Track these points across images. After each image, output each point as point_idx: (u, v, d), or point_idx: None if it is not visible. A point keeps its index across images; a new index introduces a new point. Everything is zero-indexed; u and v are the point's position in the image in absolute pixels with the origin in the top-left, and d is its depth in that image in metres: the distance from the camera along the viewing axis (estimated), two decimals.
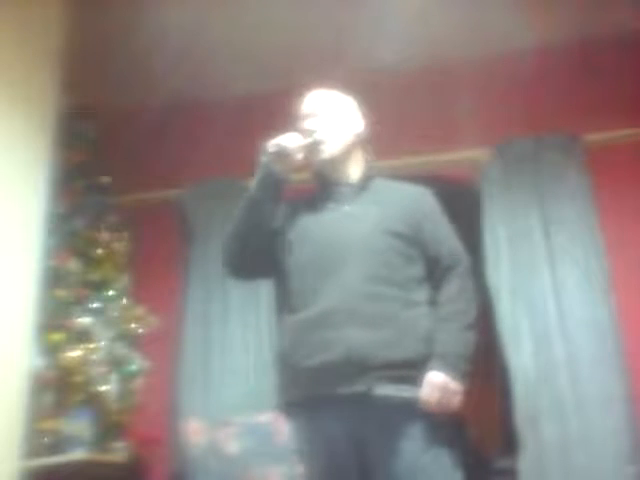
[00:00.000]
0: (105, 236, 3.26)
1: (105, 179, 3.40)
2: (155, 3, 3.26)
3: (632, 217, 3.30)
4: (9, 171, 2.41)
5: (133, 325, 3.24)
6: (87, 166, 3.33)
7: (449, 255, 1.90)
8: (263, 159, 1.91)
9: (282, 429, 2.94)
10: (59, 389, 2.83)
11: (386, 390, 1.70)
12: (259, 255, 1.91)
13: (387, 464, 1.71)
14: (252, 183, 1.93)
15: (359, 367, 1.71)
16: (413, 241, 1.87)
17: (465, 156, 3.53)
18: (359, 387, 1.71)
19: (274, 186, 1.91)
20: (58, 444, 2.76)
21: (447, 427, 1.76)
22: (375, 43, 3.46)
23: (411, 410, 1.71)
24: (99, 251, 3.22)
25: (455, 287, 1.86)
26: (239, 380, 3.40)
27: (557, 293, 3.22)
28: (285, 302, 1.91)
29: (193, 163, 3.77)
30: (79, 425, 2.83)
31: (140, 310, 3.26)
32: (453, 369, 1.74)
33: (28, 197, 2.48)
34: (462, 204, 3.59)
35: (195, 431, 3.00)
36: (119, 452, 3.01)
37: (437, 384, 1.72)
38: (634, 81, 3.41)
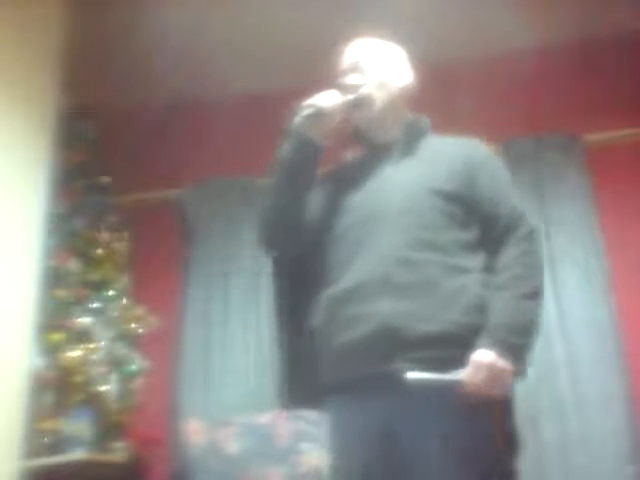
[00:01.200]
0: (105, 236, 3.26)
1: (105, 179, 3.40)
2: (155, 3, 3.26)
3: (632, 217, 3.30)
4: (9, 171, 2.41)
5: (133, 325, 3.24)
6: (87, 166, 3.33)
7: (508, 214, 1.64)
8: (296, 123, 1.67)
9: (282, 429, 2.94)
10: (59, 389, 2.82)
11: (420, 375, 1.46)
12: (296, 228, 1.72)
13: (419, 462, 1.49)
14: (283, 149, 1.71)
15: (392, 343, 1.50)
16: (463, 199, 1.64)
17: None
18: (392, 366, 1.49)
19: (311, 155, 1.68)
20: (58, 444, 2.76)
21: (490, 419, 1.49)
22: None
23: (449, 400, 1.46)
24: (99, 251, 3.22)
25: (514, 251, 1.60)
26: (239, 380, 3.40)
27: (557, 293, 3.22)
28: (321, 276, 1.71)
29: (193, 163, 3.77)
30: (79, 425, 2.83)
31: (140, 310, 3.26)
32: (502, 345, 1.47)
33: (28, 197, 2.47)
34: None
35: (195, 431, 3.00)
36: (119, 452, 3.01)
37: (483, 364, 1.45)
38: (634, 81, 3.41)
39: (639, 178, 3.35)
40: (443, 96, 3.61)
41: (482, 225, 1.65)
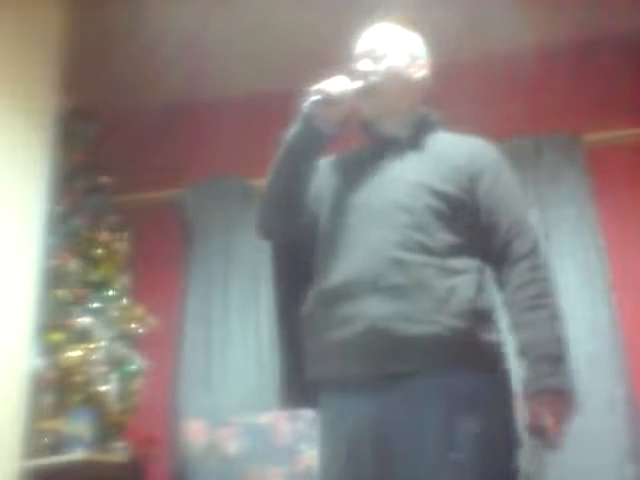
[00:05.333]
0: (105, 236, 3.26)
1: (105, 179, 3.40)
2: (155, 3, 3.26)
3: (632, 217, 3.30)
4: (9, 171, 2.41)
5: (133, 325, 3.23)
6: (87, 166, 3.33)
7: (508, 227, 1.57)
8: (304, 109, 1.60)
9: (282, 429, 2.94)
10: (59, 389, 2.82)
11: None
12: (294, 216, 1.68)
13: (409, 462, 1.45)
14: (289, 134, 1.65)
15: (381, 345, 1.46)
16: (463, 203, 1.58)
17: None
18: (381, 367, 1.47)
19: (316, 144, 1.62)
20: (58, 444, 2.76)
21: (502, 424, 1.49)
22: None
23: (439, 400, 1.44)
24: (99, 251, 3.21)
25: (525, 266, 1.53)
26: (239, 380, 3.40)
27: (557, 293, 3.22)
28: (315, 267, 1.67)
29: (193, 163, 3.77)
30: (79, 425, 2.83)
31: (140, 310, 3.26)
32: (557, 379, 1.46)
33: (28, 197, 2.47)
34: None
35: (195, 431, 3.00)
36: (119, 452, 3.01)
37: (547, 410, 1.44)
38: (634, 81, 3.41)
39: (639, 178, 3.35)
40: (443, 96, 3.61)
41: (482, 232, 1.59)
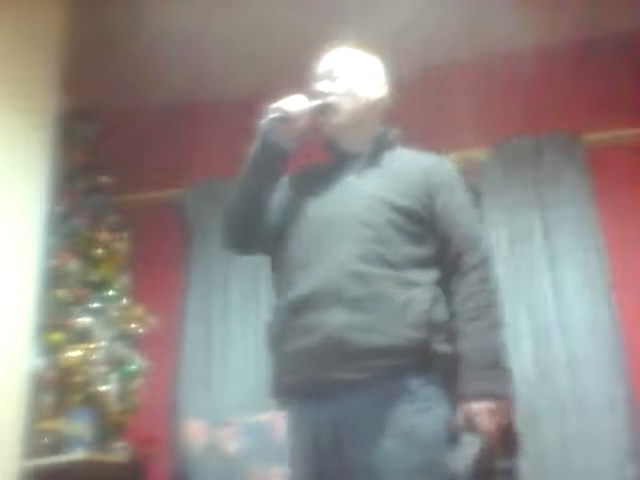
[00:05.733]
0: (105, 236, 3.26)
1: (105, 179, 3.40)
2: (155, 3, 3.26)
3: (632, 217, 3.30)
4: (9, 171, 2.41)
5: (133, 325, 3.24)
6: (87, 166, 3.33)
7: (461, 240, 1.66)
8: (263, 126, 1.70)
9: (282, 429, 2.94)
10: (59, 389, 2.83)
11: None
12: (258, 229, 1.76)
13: (366, 465, 1.53)
14: (250, 151, 1.75)
15: (340, 354, 1.53)
16: (420, 217, 1.65)
17: (465, 156, 3.53)
18: (339, 375, 1.53)
19: (275, 158, 1.72)
20: (58, 444, 2.76)
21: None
22: (375, 43, 3.45)
23: (395, 404, 1.52)
24: (99, 251, 3.21)
25: (473, 278, 1.62)
26: (239, 380, 3.40)
27: (557, 293, 3.22)
28: (279, 280, 1.75)
29: (193, 163, 3.77)
30: (79, 425, 2.83)
31: (140, 310, 3.26)
32: (496, 384, 1.55)
33: (28, 197, 2.48)
34: None
35: (195, 431, 3.01)
36: (119, 452, 3.01)
37: (482, 412, 1.51)
38: (634, 81, 3.41)
39: (639, 178, 3.35)
40: (443, 96, 3.61)
41: (438, 244, 1.67)
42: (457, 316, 1.61)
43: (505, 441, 1.57)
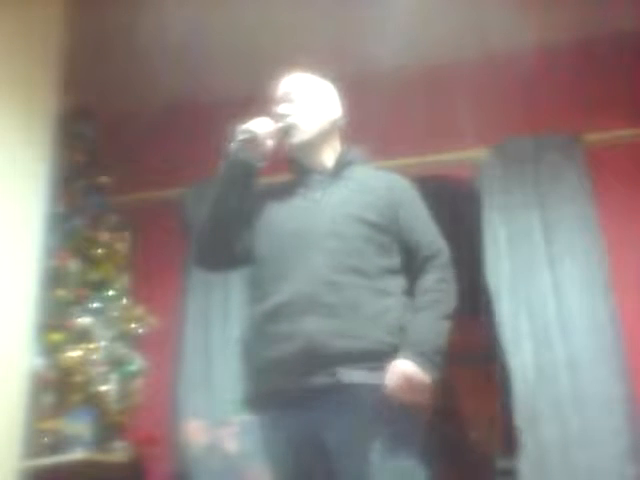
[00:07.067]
0: (105, 236, 3.26)
1: (105, 179, 3.40)
2: (155, 3, 3.26)
3: (632, 217, 3.30)
4: (9, 171, 2.41)
5: (133, 325, 3.24)
6: (87, 166, 3.33)
7: (427, 246, 1.82)
8: (232, 146, 1.85)
9: None
10: (59, 389, 2.83)
11: (351, 377, 1.62)
12: (230, 246, 1.86)
13: (348, 464, 1.63)
14: (220, 171, 1.89)
15: (318, 359, 1.63)
16: (387, 230, 1.80)
17: (465, 156, 3.53)
18: (318, 379, 1.63)
19: (244, 175, 1.85)
20: (58, 444, 2.76)
21: (413, 423, 1.68)
22: (375, 43, 3.45)
23: (375, 405, 1.62)
24: (99, 251, 3.21)
25: (432, 277, 1.77)
26: (239, 380, 3.39)
27: (557, 293, 3.22)
28: (253, 293, 1.84)
29: (193, 163, 3.77)
30: (79, 425, 2.83)
31: (140, 310, 3.26)
32: (422, 359, 1.65)
33: (28, 197, 2.47)
34: (462, 204, 3.60)
35: (195, 431, 3.01)
36: (119, 452, 3.01)
37: (402, 372, 1.63)
38: (634, 81, 3.41)
39: (639, 178, 3.35)
40: (443, 96, 3.61)
41: (405, 253, 1.81)
42: (413, 308, 1.75)
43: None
